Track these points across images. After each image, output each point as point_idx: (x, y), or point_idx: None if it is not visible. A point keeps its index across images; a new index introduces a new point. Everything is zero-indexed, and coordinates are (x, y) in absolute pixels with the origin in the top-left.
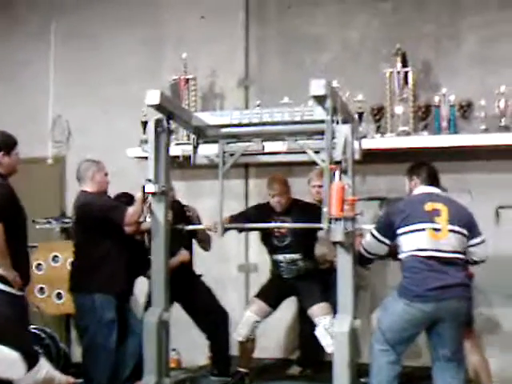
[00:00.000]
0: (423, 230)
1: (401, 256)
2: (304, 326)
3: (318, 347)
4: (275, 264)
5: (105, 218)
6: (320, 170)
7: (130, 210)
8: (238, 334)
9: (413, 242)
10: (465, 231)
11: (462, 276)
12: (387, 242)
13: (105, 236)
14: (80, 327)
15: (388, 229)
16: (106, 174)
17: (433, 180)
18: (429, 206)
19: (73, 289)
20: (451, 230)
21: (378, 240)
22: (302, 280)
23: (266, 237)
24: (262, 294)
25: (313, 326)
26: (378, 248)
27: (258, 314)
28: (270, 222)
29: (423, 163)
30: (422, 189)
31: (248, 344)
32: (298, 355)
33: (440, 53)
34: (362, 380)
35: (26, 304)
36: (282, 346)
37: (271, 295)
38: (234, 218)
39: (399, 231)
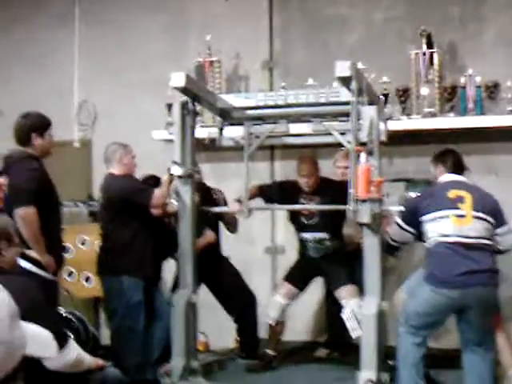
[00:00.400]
0: (447, 216)
1: (426, 243)
2: (331, 308)
3: (345, 329)
4: (303, 243)
5: (131, 200)
6: (345, 151)
7: (157, 192)
8: (268, 317)
9: (437, 228)
10: (490, 218)
11: (489, 262)
12: (412, 230)
13: (132, 218)
14: (108, 310)
15: (412, 217)
16: (134, 157)
17: (458, 167)
18: (452, 193)
19: (100, 272)
20: (476, 217)
21: (403, 228)
22: (329, 260)
23: (294, 215)
24: (290, 277)
25: (340, 307)
26: (403, 236)
27: (287, 297)
28: (298, 200)
29: (449, 150)
30: (446, 176)
31: (278, 327)
32: (325, 337)
33: (466, 34)
34: (390, 362)
35: (58, 288)
36: (310, 328)
37: (299, 277)
38: (262, 190)
39: (423, 219)
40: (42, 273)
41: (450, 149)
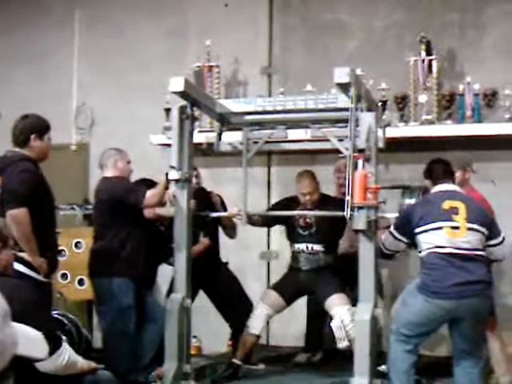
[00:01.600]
0: (441, 228)
1: (420, 254)
2: (312, 318)
3: (322, 337)
4: (295, 255)
5: (123, 200)
6: (344, 160)
7: (149, 192)
8: (252, 327)
9: (431, 239)
10: (484, 230)
11: (482, 273)
12: (405, 240)
13: (124, 221)
14: (99, 312)
15: (405, 227)
16: (129, 162)
17: (446, 176)
18: (447, 205)
19: (92, 273)
20: (470, 228)
21: (396, 238)
22: (319, 273)
23: (292, 227)
24: (278, 288)
25: (320, 317)
26: (395, 245)
27: (272, 308)
28: (298, 216)
29: (433, 161)
30: (438, 187)
31: (253, 338)
32: (304, 343)
33: (464, 41)
34: (380, 368)
35: (51, 290)
36: (290, 334)
37: (287, 290)
38: (262, 218)
39: (417, 230)
40: (36, 275)
41: (433, 160)
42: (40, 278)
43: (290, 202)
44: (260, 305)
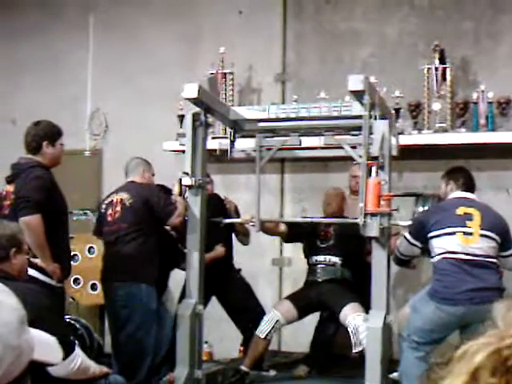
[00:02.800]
0: (454, 233)
1: (432, 259)
2: (323, 324)
3: (330, 346)
4: (312, 267)
5: (154, 208)
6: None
7: (176, 213)
8: (260, 331)
9: (443, 245)
10: (498, 239)
11: (494, 280)
12: (419, 244)
13: (154, 227)
14: (120, 317)
15: (419, 232)
16: (153, 175)
17: (469, 186)
18: (461, 211)
19: (117, 278)
20: (483, 235)
21: (410, 243)
22: (334, 285)
23: (312, 240)
24: (293, 299)
25: (333, 324)
26: (410, 250)
27: (285, 317)
28: (318, 229)
29: (460, 168)
30: (457, 194)
31: (264, 343)
32: (306, 353)
33: (479, 50)
34: (392, 376)
35: (64, 295)
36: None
37: (301, 303)
38: (290, 230)
39: (430, 235)
40: (49, 280)
41: (460, 167)
42: (53, 283)
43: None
44: (272, 311)
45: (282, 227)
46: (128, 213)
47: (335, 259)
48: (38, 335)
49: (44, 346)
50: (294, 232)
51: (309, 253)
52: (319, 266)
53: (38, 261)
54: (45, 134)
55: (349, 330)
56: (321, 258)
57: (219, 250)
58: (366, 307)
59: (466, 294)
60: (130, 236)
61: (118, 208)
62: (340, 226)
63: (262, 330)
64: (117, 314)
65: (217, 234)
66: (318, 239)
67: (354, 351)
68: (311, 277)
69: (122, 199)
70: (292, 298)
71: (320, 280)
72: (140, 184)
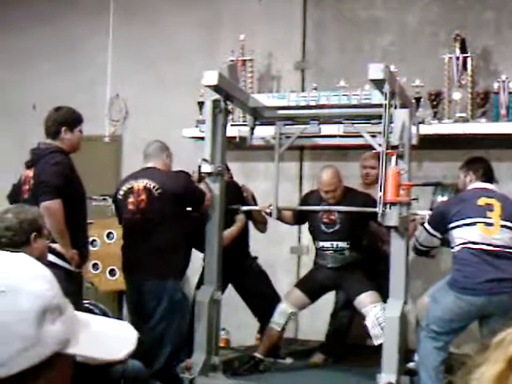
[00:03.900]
0: (474, 224)
1: (452, 249)
2: (339, 312)
3: (346, 335)
4: (320, 252)
5: (188, 196)
6: (375, 152)
7: (208, 195)
8: (275, 323)
9: (464, 235)
10: None
11: None
12: (438, 235)
13: (183, 218)
14: (147, 311)
15: (439, 223)
16: (172, 161)
17: (488, 177)
18: (482, 201)
19: (144, 275)
20: (504, 226)
21: (430, 233)
22: (346, 270)
23: (315, 223)
24: (303, 285)
25: (350, 312)
26: (429, 240)
27: (296, 306)
28: (320, 215)
29: (480, 159)
30: (476, 184)
31: (277, 333)
32: (322, 342)
33: (500, 39)
34: (409, 365)
35: (82, 281)
36: (319, 327)
37: (312, 287)
38: (293, 216)
39: (451, 225)
40: (67, 265)
41: (480, 157)
42: (72, 268)
43: (313, 196)
44: (284, 302)
45: (287, 214)
46: (156, 204)
47: (342, 244)
48: (96, 329)
49: (97, 340)
50: (298, 215)
51: (314, 238)
52: (327, 252)
53: (56, 246)
54: (64, 119)
55: (367, 321)
56: (327, 244)
57: (239, 219)
58: (376, 289)
59: (486, 284)
60: (157, 229)
61: (143, 196)
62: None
63: (276, 321)
64: (141, 309)
65: (234, 221)
66: (323, 224)
67: (375, 343)
68: (321, 261)
69: (146, 187)
70: (301, 284)
71: (329, 266)
72: (166, 172)
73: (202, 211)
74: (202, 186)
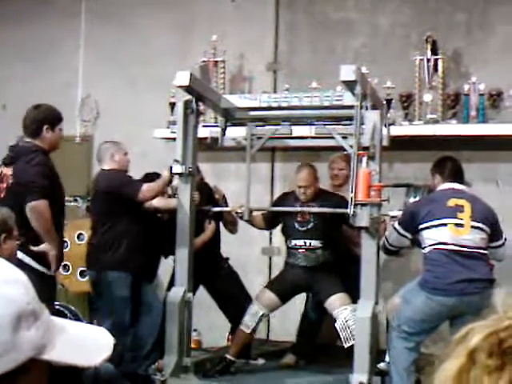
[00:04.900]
0: (445, 225)
1: (423, 250)
2: (310, 314)
3: (316, 336)
4: (293, 251)
5: (118, 193)
6: (343, 154)
7: (145, 186)
8: (245, 325)
9: (435, 236)
10: (488, 230)
11: (485, 271)
12: (408, 235)
13: (120, 213)
14: (95, 305)
15: (410, 223)
16: (126, 154)
17: (457, 176)
18: (452, 202)
19: (88, 267)
20: (474, 227)
21: (400, 233)
22: (318, 271)
23: (289, 222)
24: (274, 286)
25: (320, 314)
26: (399, 241)
27: (266, 307)
28: (295, 214)
29: (446, 158)
30: (445, 185)
31: (247, 335)
32: (293, 342)
33: (471, 41)
34: (379, 366)
35: (56, 284)
36: (290, 328)
37: (283, 288)
38: (265, 219)
39: (421, 226)
40: (41, 268)
41: (447, 157)
42: (44, 270)
43: (288, 197)
44: (255, 303)
45: (257, 218)
46: (93, 205)
47: (315, 243)
48: (72, 334)
49: (74, 346)
50: (270, 218)
51: (288, 236)
52: (299, 250)
53: (35, 248)
54: (45, 117)
55: (337, 323)
56: (300, 242)
57: (209, 228)
58: (347, 291)
59: (457, 284)
60: (95, 227)
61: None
62: (319, 207)
63: (246, 324)
64: (91, 302)
65: (204, 222)
66: (297, 222)
67: (345, 346)
68: (292, 260)
69: (93, 189)
70: (272, 285)
71: (301, 265)
72: (106, 171)
73: (146, 200)
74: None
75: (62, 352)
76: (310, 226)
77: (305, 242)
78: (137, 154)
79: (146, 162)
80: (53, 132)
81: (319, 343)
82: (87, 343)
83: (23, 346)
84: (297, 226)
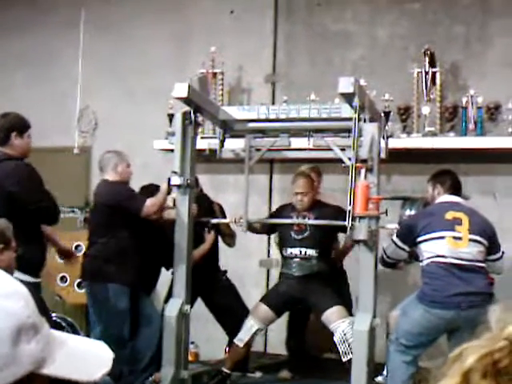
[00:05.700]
0: (443, 237)
1: (421, 263)
2: (293, 322)
3: (304, 344)
4: (288, 261)
5: (121, 206)
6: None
7: (149, 201)
8: (238, 339)
9: (433, 249)
10: (486, 243)
11: (483, 284)
12: (406, 248)
13: (121, 226)
14: (93, 317)
15: (408, 236)
16: (129, 166)
17: (456, 189)
18: (450, 215)
19: (86, 278)
20: (472, 240)
21: (398, 246)
22: (312, 281)
23: (285, 230)
24: (268, 300)
25: (303, 321)
26: (397, 253)
27: (262, 322)
28: (291, 218)
29: (447, 171)
30: (444, 197)
31: (242, 349)
32: (288, 357)
33: (469, 54)
34: (377, 379)
35: (40, 291)
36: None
37: (277, 301)
38: (262, 225)
39: (419, 239)
40: (24, 277)
41: (447, 170)
42: (30, 279)
43: (286, 208)
44: (250, 318)
45: (255, 224)
46: (92, 215)
47: (311, 252)
48: (72, 348)
49: (74, 360)
50: (267, 227)
51: (283, 245)
52: (294, 259)
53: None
54: (13, 125)
55: (335, 337)
56: (296, 250)
57: (208, 237)
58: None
59: (454, 297)
60: (95, 237)
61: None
62: (316, 216)
63: (240, 338)
64: (89, 314)
65: (203, 235)
66: (293, 231)
67: (344, 359)
68: (286, 270)
69: (93, 203)
70: (267, 299)
71: (295, 275)
72: (109, 183)
73: (150, 215)
74: (169, 199)
75: (62, 366)
76: (306, 235)
77: (300, 251)
78: (135, 165)
79: (145, 174)
80: (21, 139)
81: (317, 356)
82: (87, 358)
83: (23, 360)
84: (293, 234)
